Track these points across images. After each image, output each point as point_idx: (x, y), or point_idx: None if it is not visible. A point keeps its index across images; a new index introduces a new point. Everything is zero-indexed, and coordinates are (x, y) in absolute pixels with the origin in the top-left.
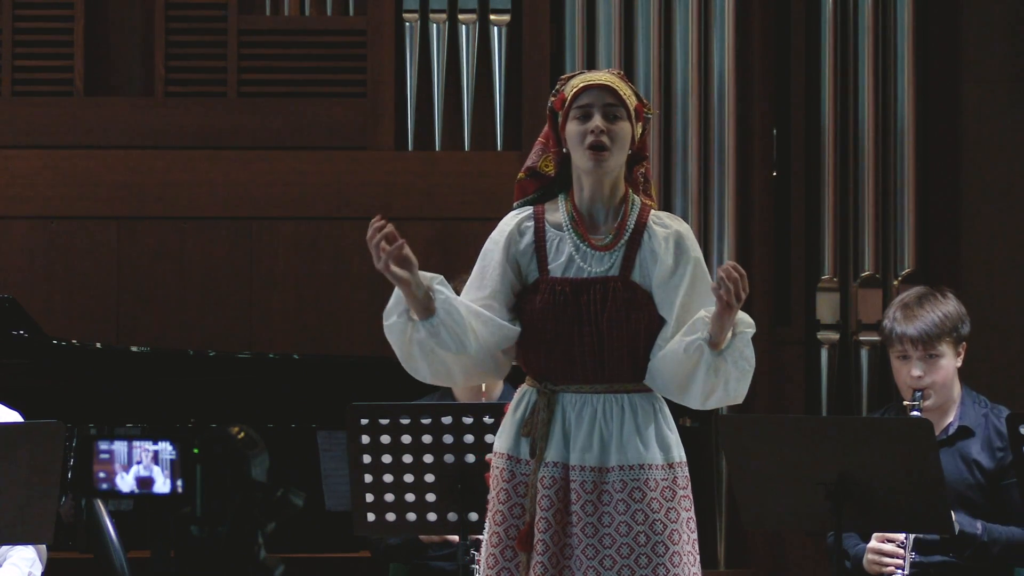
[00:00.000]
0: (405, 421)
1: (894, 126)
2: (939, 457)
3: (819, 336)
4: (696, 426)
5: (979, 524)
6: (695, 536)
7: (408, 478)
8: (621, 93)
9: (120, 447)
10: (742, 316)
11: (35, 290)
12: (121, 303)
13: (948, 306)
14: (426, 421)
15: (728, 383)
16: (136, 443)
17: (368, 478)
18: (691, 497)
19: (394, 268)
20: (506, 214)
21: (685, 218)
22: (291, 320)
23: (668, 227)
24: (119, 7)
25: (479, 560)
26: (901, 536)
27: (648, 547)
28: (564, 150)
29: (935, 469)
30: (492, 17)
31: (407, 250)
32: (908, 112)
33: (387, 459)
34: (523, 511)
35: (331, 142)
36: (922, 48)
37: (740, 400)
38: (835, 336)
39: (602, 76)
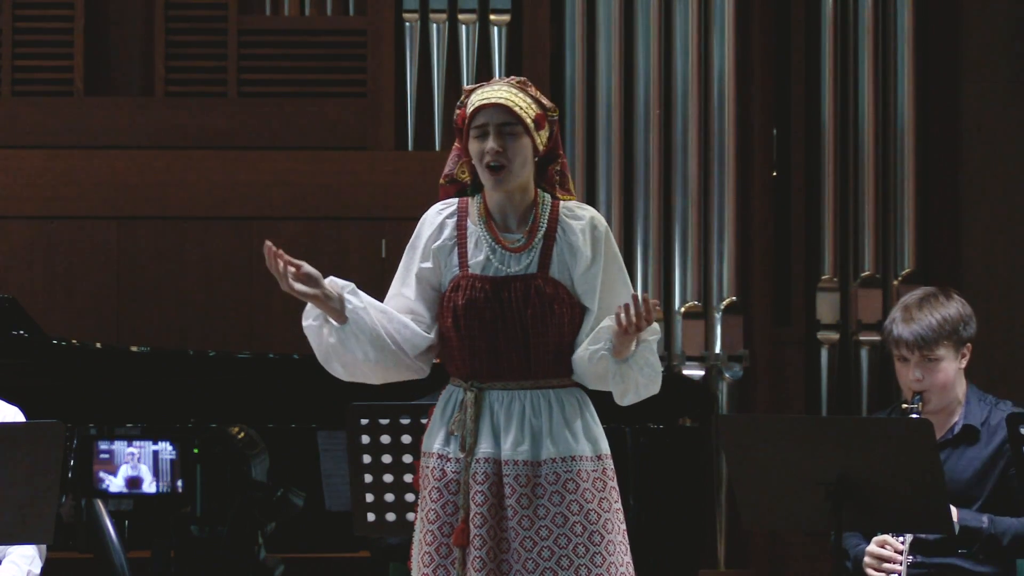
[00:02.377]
0: (405, 421)
1: (894, 126)
2: (939, 457)
3: (819, 336)
4: (696, 426)
5: (985, 517)
6: (624, 527)
7: (408, 478)
8: (515, 109)
9: (120, 447)
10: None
11: (35, 290)
12: (121, 303)
13: (949, 309)
14: (426, 421)
15: (638, 388)
16: (132, 443)
17: (368, 478)
18: (618, 489)
19: (298, 286)
20: None
21: (685, 218)
22: (291, 320)
23: (581, 218)
24: (119, 7)
25: (411, 562)
26: (899, 541)
27: (584, 536)
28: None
29: (935, 469)
30: (492, 17)
31: (307, 268)
32: (908, 112)
33: (387, 459)
34: (456, 508)
35: (331, 142)
36: (922, 48)
37: (654, 393)
38: (835, 336)
39: (498, 93)
